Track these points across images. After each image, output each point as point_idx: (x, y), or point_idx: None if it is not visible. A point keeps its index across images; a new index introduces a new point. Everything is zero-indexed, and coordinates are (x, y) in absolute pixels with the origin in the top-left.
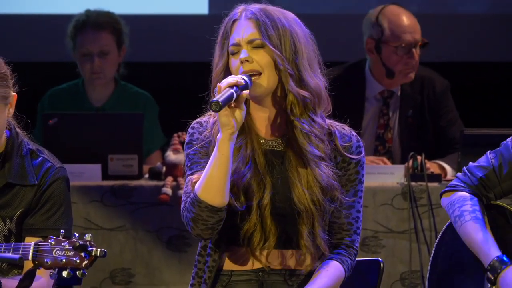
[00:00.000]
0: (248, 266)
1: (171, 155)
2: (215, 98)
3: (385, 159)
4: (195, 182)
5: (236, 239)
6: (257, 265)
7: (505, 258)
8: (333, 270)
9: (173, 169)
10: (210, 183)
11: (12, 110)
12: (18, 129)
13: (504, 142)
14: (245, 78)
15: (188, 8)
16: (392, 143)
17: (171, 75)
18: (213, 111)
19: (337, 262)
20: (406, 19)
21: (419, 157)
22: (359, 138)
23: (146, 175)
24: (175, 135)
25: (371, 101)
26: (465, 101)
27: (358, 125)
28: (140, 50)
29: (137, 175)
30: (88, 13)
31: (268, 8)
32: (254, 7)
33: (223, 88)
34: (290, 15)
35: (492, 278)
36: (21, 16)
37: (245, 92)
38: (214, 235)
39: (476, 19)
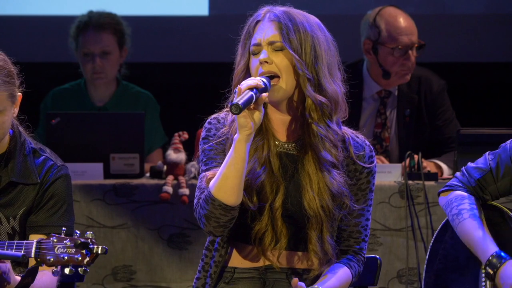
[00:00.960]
0: (252, 264)
1: (172, 154)
2: (235, 101)
3: (383, 158)
4: (210, 179)
5: (245, 238)
6: (261, 263)
7: (503, 254)
8: (341, 273)
9: (174, 168)
10: (224, 182)
11: (17, 110)
12: (21, 128)
13: (503, 144)
14: (265, 80)
15: (188, 9)
16: (390, 142)
17: (172, 75)
18: (233, 113)
19: (346, 267)
20: (403, 21)
21: (416, 156)
22: (372, 148)
23: (147, 174)
24: (176, 134)
25: (369, 100)
26: (462, 100)
27: (355, 124)
28: (141, 50)
29: (139, 174)
30: (91, 14)
31: (292, 11)
32: (278, 9)
33: (243, 90)
34: (314, 20)
35: (492, 272)
36: (24, 17)
37: (264, 94)
38: (226, 232)
39: (472, 19)
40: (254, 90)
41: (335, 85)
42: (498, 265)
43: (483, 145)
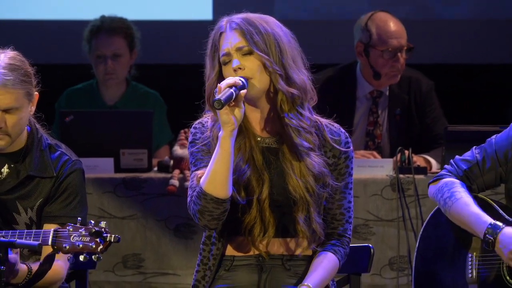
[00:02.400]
0: (249, 253)
1: (178, 150)
2: (217, 97)
3: (375, 153)
4: (200, 177)
5: (238, 230)
6: (257, 252)
7: (498, 223)
8: (327, 262)
9: (180, 163)
10: (214, 177)
11: (33, 108)
12: (38, 125)
13: (489, 139)
14: (242, 79)
15: (194, 14)
16: (381, 139)
17: (179, 76)
18: (216, 109)
19: (331, 253)
20: (393, 25)
21: (406, 152)
22: (348, 135)
23: (155, 168)
24: (182, 131)
25: (362, 100)
26: (449, 99)
27: (350, 122)
28: (150, 53)
29: (147, 168)
30: (103, 19)
31: (249, 16)
32: (237, 17)
33: (223, 88)
34: (270, 19)
35: (492, 239)
36: (40, 21)
37: (243, 91)
38: (219, 225)
39: (459, 24)
40: (233, 88)
41: (302, 74)
42: (498, 230)
43: (469, 141)
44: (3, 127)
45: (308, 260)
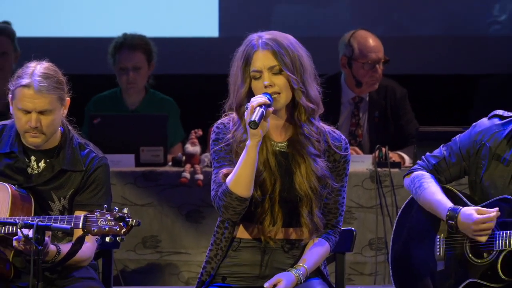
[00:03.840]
0: (255, 237)
1: (189, 147)
2: (252, 118)
3: (357, 150)
4: (225, 175)
5: (250, 219)
6: (264, 238)
7: (456, 208)
8: (320, 248)
9: (191, 158)
10: (239, 179)
11: (65, 111)
12: (70, 127)
13: (454, 138)
14: (269, 96)
15: (202, 32)
16: (362, 138)
17: (189, 85)
18: (252, 128)
19: (325, 241)
20: (372, 41)
21: (383, 149)
22: (347, 141)
23: (170, 163)
24: (193, 131)
25: (346, 105)
26: (419, 104)
27: (335, 123)
28: (165, 65)
29: (163, 163)
30: (125, 36)
31: (277, 36)
32: (266, 37)
33: (254, 107)
34: (292, 39)
35: (453, 223)
36: (72, 39)
37: (270, 109)
38: (239, 218)
39: (428, 40)
40: (263, 106)
41: (316, 89)
42: (457, 213)
43: (437, 140)
44: (39, 126)
45: (304, 246)
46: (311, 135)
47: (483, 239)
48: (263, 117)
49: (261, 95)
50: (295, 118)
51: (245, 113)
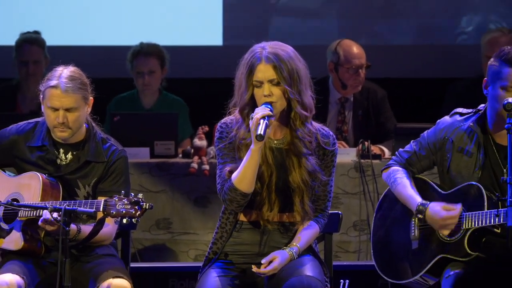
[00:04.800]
0: (254, 220)
1: (197, 141)
2: (258, 132)
3: (343, 143)
4: (230, 172)
5: (250, 206)
6: (263, 222)
7: (425, 202)
8: (311, 229)
9: (198, 151)
10: (243, 177)
11: (89, 109)
12: (93, 124)
13: (422, 134)
14: (270, 107)
15: (208, 41)
16: (348, 133)
17: (197, 87)
18: (259, 141)
19: (315, 223)
20: (355, 49)
21: (366, 143)
22: (335, 137)
23: (180, 155)
24: (200, 127)
25: (333, 104)
26: (397, 104)
27: (324, 120)
28: (176, 69)
29: (174, 155)
30: (142, 44)
31: (278, 51)
32: (268, 50)
33: (259, 119)
34: (291, 51)
35: (422, 216)
36: (98, 47)
37: (272, 119)
38: (242, 209)
39: (405, 48)
40: (267, 117)
41: (309, 96)
42: (425, 209)
43: (412, 135)
44: (66, 122)
45: (297, 228)
46: (304, 137)
47: (447, 232)
48: (267, 128)
49: (263, 107)
50: (291, 122)
51: (250, 122)
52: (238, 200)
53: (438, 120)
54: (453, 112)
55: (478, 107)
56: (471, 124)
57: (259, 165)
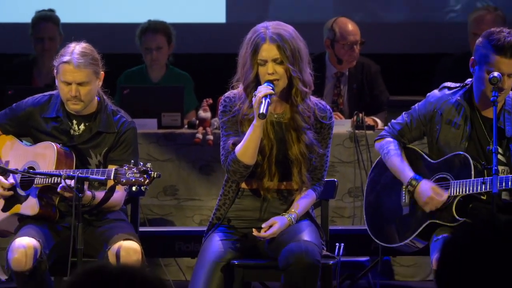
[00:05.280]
0: (255, 189)
1: (201, 113)
2: (260, 111)
3: (339, 115)
4: (233, 144)
5: (252, 176)
6: (263, 191)
7: (417, 177)
8: (309, 197)
9: (203, 122)
10: (246, 150)
11: (100, 83)
12: (105, 97)
13: (413, 106)
14: (272, 86)
15: (212, 18)
16: (343, 106)
17: (202, 62)
18: (261, 119)
19: (312, 191)
20: (350, 26)
21: (360, 114)
22: (331, 111)
23: (186, 126)
24: (204, 100)
25: (329, 78)
26: (390, 78)
27: (321, 94)
28: (182, 46)
29: (180, 126)
30: (150, 22)
31: (281, 31)
32: (272, 30)
33: (261, 98)
34: (293, 31)
35: (412, 189)
36: (107, 24)
37: (274, 97)
38: (244, 179)
39: (398, 25)
40: (268, 96)
41: (309, 74)
42: (416, 184)
43: (403, 107)
44: (78, 95)
45: (295, 196)
46: (304, 112)
47: (428, 210)
48: (268, 106)
49: (266, 85)
50: (292, 98)
51: (253, 99)
52: (241, 171)
53: (428, 94)
54: (441, 86)
55: (466, 82)
56: (459, 98)
57: (261, 139)
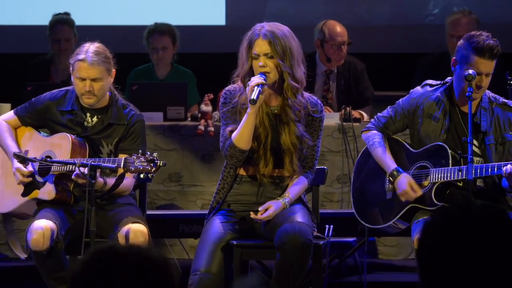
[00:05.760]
0: (252, 175)
1: (203, 107)
2: (251, 97)
3: (329, 109)
4: (230, 131)
5: (248, 162)
6: (259, 176)
7: (400, 169)
8: (301, 183)
9: (204, 115)
10: (241, 136)
11: (112, 80)
12: (115, 92)
13: (397, 101)
14: (264, 77)
15: (213, 21)
16: (332, 100)
17: (204, 61)
18: (252, 105)
19: (304, 178)
20: (338, 28)
21: (348, 108)
22: (322, 105)
23: (189, 119)
24: (206, 95)
25: (320, 76)
26: (374, 75)
27: (312, 89)
28: (186, 46)
29: (184, 119)
30: (156, 24)
31: (275, 30)
32: (266, 28)
33: (253, 86)
34: (287, 31)
35: (393, 180)
36: (118, 26)
37: (266, 86)
38: (241, 164)
39: (382, 27)
40: (260, 85)
41: (301, 71)
42: (396, 176)
43: (387, 101)
44: (92, 90)
45: (289, 182)
46: (294, 106)
47: (403, 199)
48: (260, 94)
49: (259, 76)
50: (284, 92)
51: (247, 88)
52: (237, 156)
53: (411, 90)
54: (424, 83)
55: (446, 80)
56: (439, 94)
57: (257, 127)
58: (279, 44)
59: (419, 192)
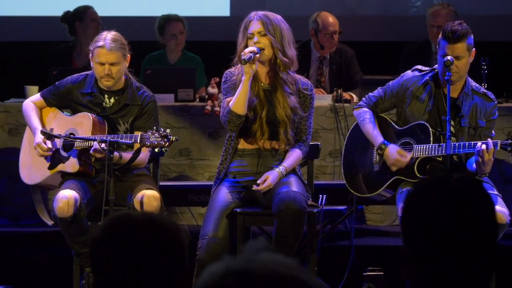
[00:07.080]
0: (251, 147)
1: (210, 89)
2: (243, 57)
3: (322, 91)
4: (228, 101)
5: (247, 134)
6: (256, 147)
7: (386, 142)
8: (296, 154)
9: (211, 97)
10: (237, 102)
11: (127, 64)
12: (130, 75)
13: (388, 83)
14: (258, 49)
15: (218, 12)
16: (325, 83)
17: (211, 48)
18: (242, 64)
19: (298, 150)
20: (331, 18)
21: (339, 90)
22: (312, 85)
23: (197, 100)
24: (212, 79)
25: (314, 61)
26: (364, 60)
27: (307, 74)
28: (194, 34)
29: (192, 100)
30: (169, 14)
31: (267, 13)
32: (261, 13)
33: (246, 53)
34: (279, 17)
35: (381, 152)
36: (132, 17)
37: (257, 55)
38: (238, 129)
39: (370, 18)
40: (252, 53)
41: (292, 51)
42: (384, 148)
43: (374, 84)
44: (110, 74)
45: (285, 153)
46: (287, 79)
47: (395, 169)
48: (251, 59)
49: (252, 47)
50: (276, 67)
51: (241, 54)
52: (233, 120)
53: (402, 74)
54: (414, 68)
55: (434, 67)
56: (427, 78)
57: (253, 100)
58: (270, 24)
59: (408, 157)
